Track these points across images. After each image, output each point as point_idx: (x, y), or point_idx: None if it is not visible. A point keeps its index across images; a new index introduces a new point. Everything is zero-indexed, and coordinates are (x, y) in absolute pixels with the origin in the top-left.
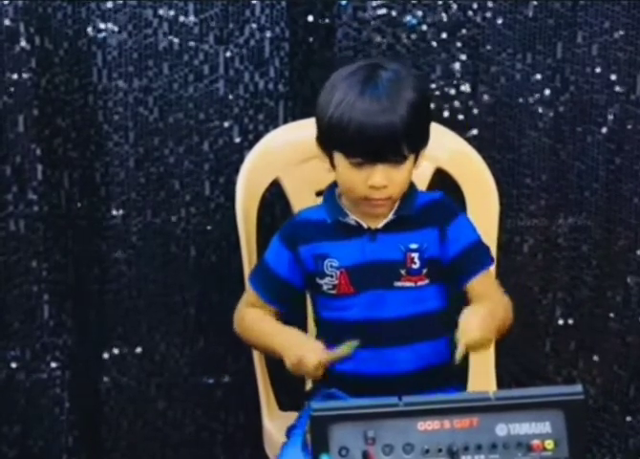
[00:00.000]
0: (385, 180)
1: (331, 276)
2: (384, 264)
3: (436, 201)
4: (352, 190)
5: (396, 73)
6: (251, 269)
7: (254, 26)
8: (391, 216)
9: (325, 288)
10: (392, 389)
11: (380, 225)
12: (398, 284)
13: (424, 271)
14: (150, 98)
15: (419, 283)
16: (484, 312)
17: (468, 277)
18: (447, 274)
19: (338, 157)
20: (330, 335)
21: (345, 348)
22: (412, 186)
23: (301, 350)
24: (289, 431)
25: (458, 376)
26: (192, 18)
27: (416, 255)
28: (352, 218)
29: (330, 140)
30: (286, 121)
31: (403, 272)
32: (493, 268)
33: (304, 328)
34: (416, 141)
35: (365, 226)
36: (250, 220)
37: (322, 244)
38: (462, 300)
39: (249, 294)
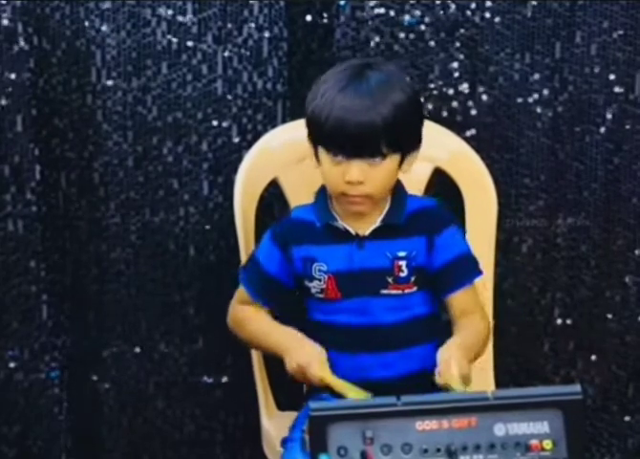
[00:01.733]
0: (361, 176)
1: (319, 280)
2: (371, 272)
3: (427, 208)
4: (331, 186)
5: (387, 74)
6: (242, 264)
7: (252, 26)
8: (378, 223)
9: (313, 291)
10: (382, 395)
11: (367, 232)
12: (385, 292)
13: (412, 279)
14: (148, 97)
15: (407, 291)
16: (460, 347)
17: (450, 290)
18: (433, 283)
19: (321, 151)
20: (320, 337)
21: (353, 393)
22: (402, 192)
23: (304, 358)
24: (285, 443)
25: None
26: (190, 18)
27: (403, 263)
28: (341, 223)
29: (312, 133)
30: (284, 121)
31: (390, 279)
32: (479, 280)
33: (295, 325)
34: (398, 141)
35: (353, 232)
36: (249, 219)
37: (311, 247)
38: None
39: (240, 289)
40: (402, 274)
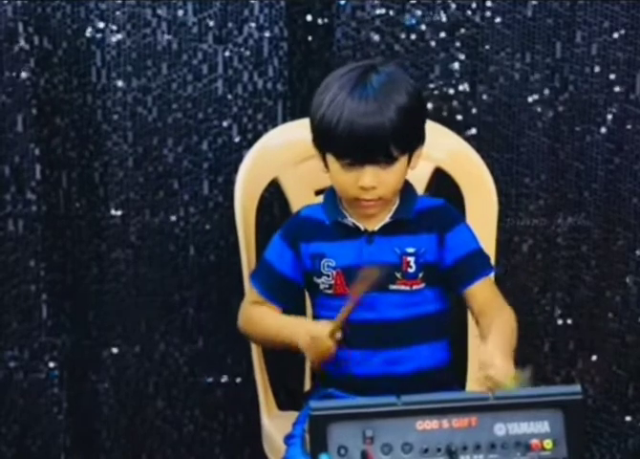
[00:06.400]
0: (374, 181)
1: (328, 276)
2: (379, 267)
3: (436, 207)
4: (343, 191)
5: (389, 75)
6: (253, 268)
7: (253, 25)
8: (387, 219)
9: (322, 287)
10: (388, 391)
11: (377, 227)
12: (393, 287)
13: (420, 275)
14: (149, 97)
15: (415, 287)
16: (502, 351)
17: (467, 283)
18: (445, 280)
19: (330, 158)
20: None
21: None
22: (411, 190)
23: (311, 330)
24: (288, 439)
25: (455, 379)
26: (191, 17)
27: (412, 259)
28: (350, 220)
29: (321, 140)
30: (284, 121)
31: (399, 275)
32: (492, 276)
33: None
34: (406, 143)
35: (362, 228)
36: (249, 219)
37: (320, 243)
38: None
39: (251, 292)
40: (410, 270)
